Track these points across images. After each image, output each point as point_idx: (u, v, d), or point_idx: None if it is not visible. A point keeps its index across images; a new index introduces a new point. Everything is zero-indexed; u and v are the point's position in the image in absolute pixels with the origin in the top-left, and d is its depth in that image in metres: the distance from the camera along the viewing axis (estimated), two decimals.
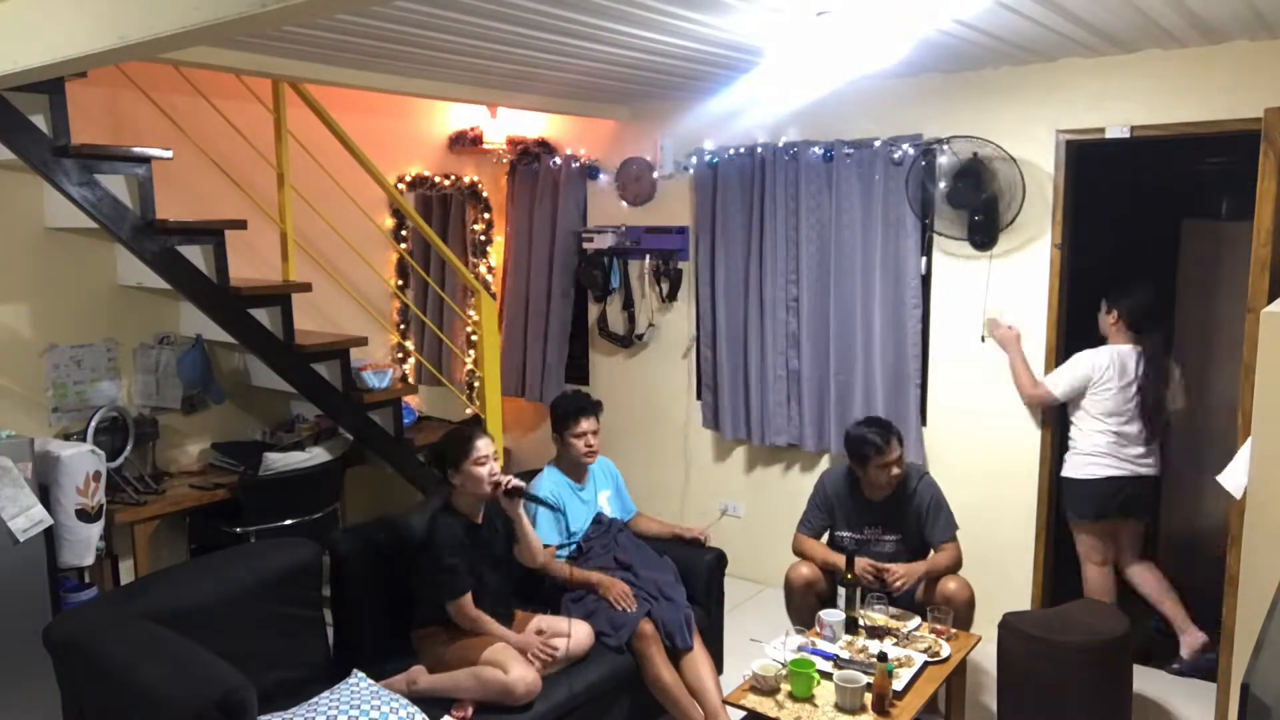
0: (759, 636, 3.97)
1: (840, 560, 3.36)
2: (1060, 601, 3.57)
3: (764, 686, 2.85)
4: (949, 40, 3.34)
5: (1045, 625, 3.24)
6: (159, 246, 3.42)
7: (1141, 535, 3.92)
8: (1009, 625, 3.28)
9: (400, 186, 5.11)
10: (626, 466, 4.15)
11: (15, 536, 3.19)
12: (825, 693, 2.82)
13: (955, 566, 3.45)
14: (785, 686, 2.84)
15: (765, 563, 4.72)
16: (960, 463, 4.18)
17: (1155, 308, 3.79)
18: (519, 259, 5.48)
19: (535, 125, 5.34)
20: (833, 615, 3.17)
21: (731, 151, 4.60)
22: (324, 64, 3.52)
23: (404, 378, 5.19)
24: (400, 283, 5.22)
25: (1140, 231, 4.56)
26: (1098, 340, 3.81)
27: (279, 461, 3.89)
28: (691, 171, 4.81)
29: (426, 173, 5.25)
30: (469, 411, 4.84)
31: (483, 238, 5.49)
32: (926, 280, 4.18)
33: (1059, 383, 3.76)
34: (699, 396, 4.96)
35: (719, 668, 3.54)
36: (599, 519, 3.62)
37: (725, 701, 3.04)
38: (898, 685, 2.82)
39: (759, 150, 4.51)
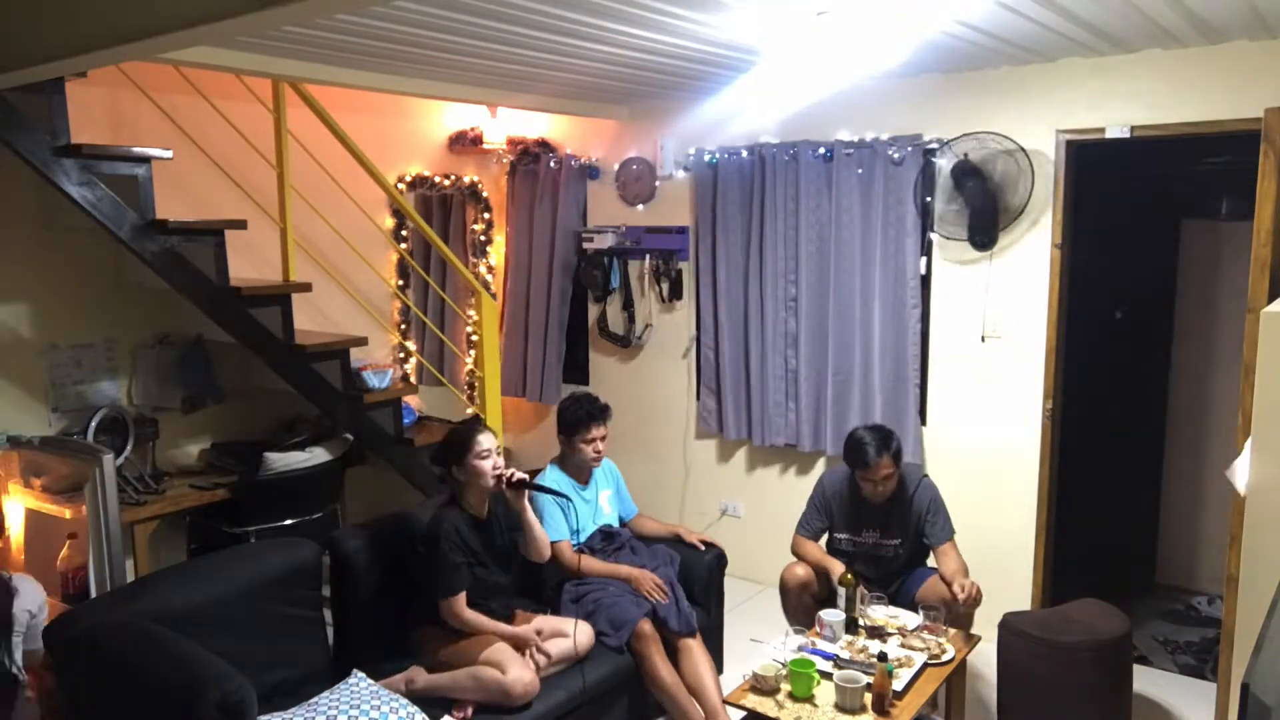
0: (759, 636, 3.97)
1: (834, 566, 3.37)
2: (1060, 601, 3.57)
3: (764, 686, 2.85)
4: (949, 40, 3.34)
5: (1045, 625, 3.24)
6: (159, 246, 3.42)
7: None
8: (1009, 625, 3.28)
9: (400, 186, 5.11)
10: (626, 466, 4.15)
11: None
12: (825, 693, 2.82)
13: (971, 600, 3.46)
14: (785, 686, 2.84)
15: (765, 563, 4.71)
16: (960, 463, 4.18)
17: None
18: (519, 259, 5.48)
19: (535, 125, 5.34)
20: (833, 615, 3.17)
21: (731, 151, 4.60)
22: (324, 64, 3.52)
23: (404, 378, 5.20)
24: (400, 283, 5.22)
25: (1140, 231, 4.56)
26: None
27: (279, 461, 3.89)
28: (691, 171, 4.81)
29: (426, 173, 5.25)
30: (469, 411, 4.84)
31: (483, 238, 5.50)
32: (926, 280, 4.18)
33: None
34: (699, 397, 4.96)
35: (719, 668, 3.54)
36: (611, 534, 3.61)
37: (725, 701, 3.05)
38: (898, 685, 2.81)
39: (759, 150, 4.51)
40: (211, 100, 3.83)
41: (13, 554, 3.59)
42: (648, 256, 5.05)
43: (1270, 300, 2.85)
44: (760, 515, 4.86)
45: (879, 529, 3.50)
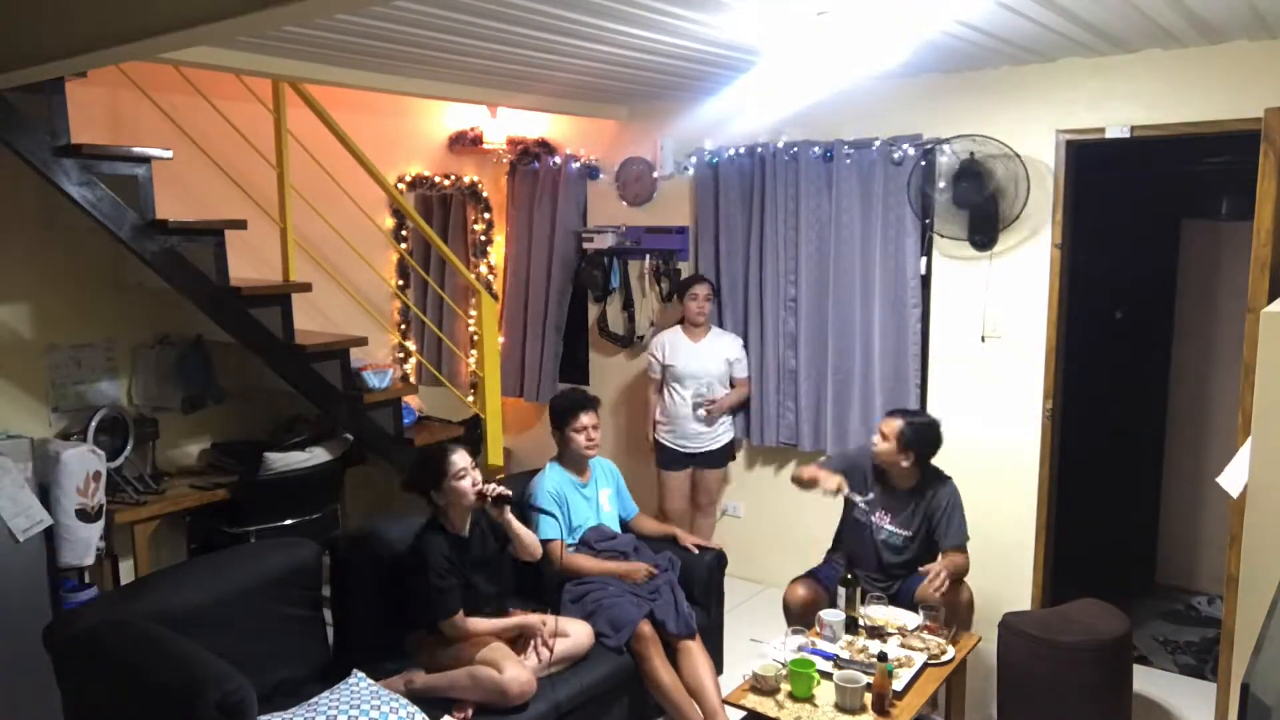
0: (759, 636, 3.97)
1: (827, 480, 3.41)
2: (1060, 601, 3.57)
3: (764, 686, 2.85)
4: (949, 40, 3.34)
5: (1045, 625, 3.24)
6: (159, 246, 3.42)
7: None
8: (1009, 625, 3.28)
9: (400, 186, 5.11)
10: (626, 467, 4.15)
11: (15, 536, 3.20)
12: (825, 693, 2.82)
13: (964, 570, 3.45)
14: (785, 686, 2.84)
15: (765, 563, 4.72)
16: (960, 463, 4.16)
17: None
18: (519, 259, 5.48)
19: (535, 125, 5.34)
20: (833, 615, 3.17)
21: (731, 151, 4.60)
22: (324, 64, 3.52)
23: (404, 378, 5.20)
24: (400, 283, 5.22)
25: (1140, 231, 4.56)
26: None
27: (279, 461, 3.89)
28: (691, 171, 4.81)
29: (426, 173, 5.25)
30: (471, 411, 4.84)
31: (483, 238, 5.49)
32: (926, 280, 4.18)
33: None
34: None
35: (719, 668, 3.54)
36: (623, 549, 3.58)
37: (725, 701, 3.04)
38: (898, 685, 2.81)
39: (759, 150, 4.51)
40: (211, 100, 3.83)
41: None
42: (648, 256, 5.05)
43: (1270, 300, 2.85)
44: (760, 515, 4.86)
45: (892, 514, 3.48)
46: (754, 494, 4.89)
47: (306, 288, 4.02)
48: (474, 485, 3.05)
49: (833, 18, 2.91)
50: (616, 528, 3.72)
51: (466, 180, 5.40)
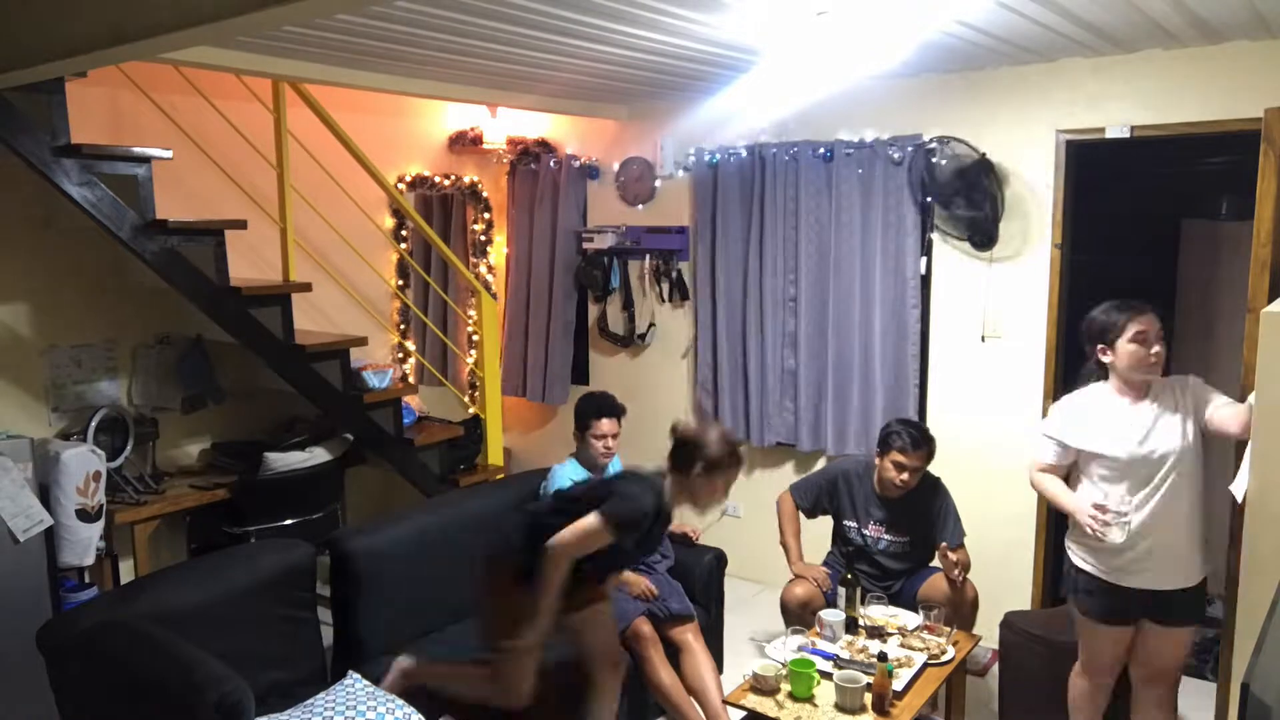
0: (759, 636, 3.98)
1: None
2: (1060, 602, 3.57)
3: (764, 686, 2.84)
4: (949, 40, 3.34)
5: (1045, 625, 3.24)
6: (159, 246, 3.42)
7: None
8: (1009, 625, 3.28)
9: (400, 186, 5.11)
10: (627, 466, 4.14)
11: (15, 536, 3.19)
12: (825, 693, 2.82)
13: (967, 567, 3.46)
14: (785, 686, 2.84)
15: (765, 563, 4.71)
16: (960, 463, 4.17)
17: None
18: (519, 259, 5.48)
19: (535, 125, 5.34)
20: (833, 615, 3.17)
21: (731, 151, 4.60)
22: (324, 64, 3.52)
23: (404, 378, 5.20)
24: (400, 283, 5.22)
25: (1140, 231, 4.56)
26: None
27: (279, 461, 3.89)
28: (691, 171, 4.81)
29: (426, 173, 5.25)
30: (470, 411, 4.84)
31: (483, 238, 5.49)
32: (926, 280, 4.18)
33: None
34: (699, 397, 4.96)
35: (719, 668, 3.54)
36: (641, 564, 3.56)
37: (725, 701, 3.05)
38: (898, 685, 2.82)
39: (759, 150, 4.51)
40: (211, 100, 3.83)
41: None
42: (648, 256, 5.04)
43: (1270, 300, 2.85)
44: (760, 515, 4.84)
45: (886, 525, 3.49)
46: (754, 494, 4.88)
47: (306, 288, 4.02)
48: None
49: (832, 18, 2.91)
50: None
51: (466, 180, 5.40)
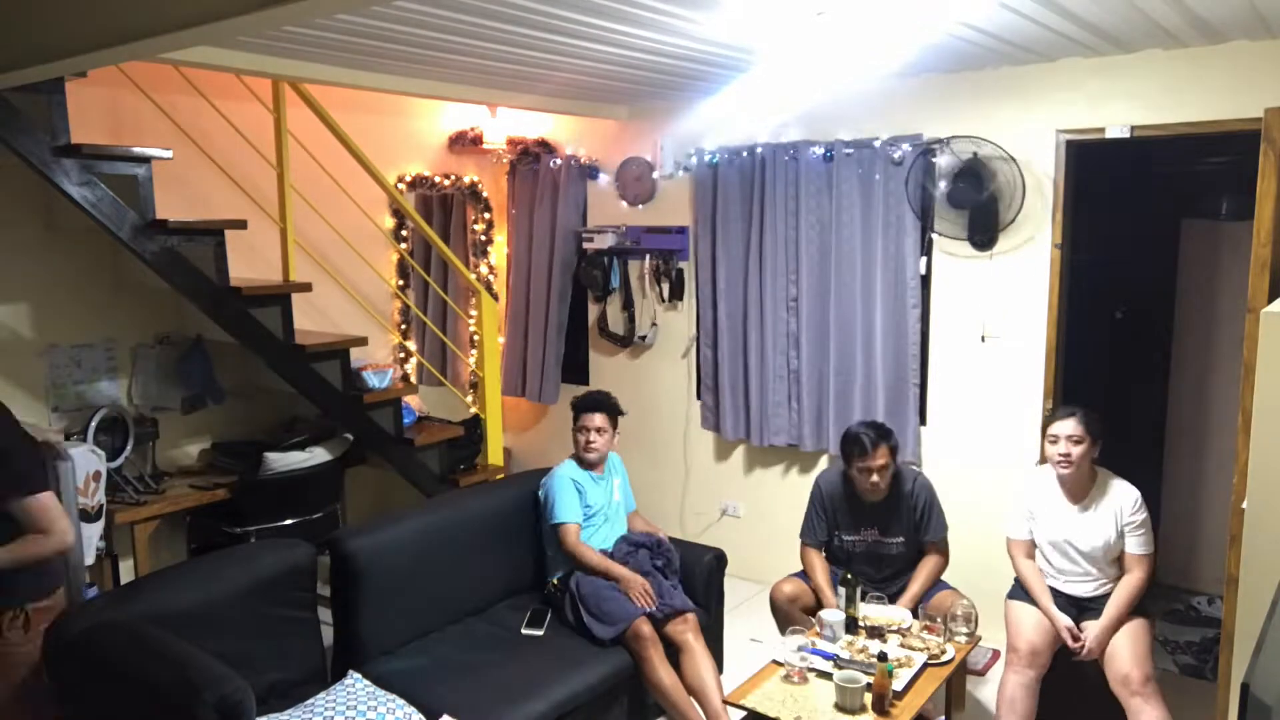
0: (759, 636, 3.98)
1: (831, 597, 3.36)
2: None
3: (849, 704, 2.75)
4: (949, 40, 3.34)
5: None
6: (159, 246, 3.42)
7: None
8: None
9: (400, 186, 5.11)
10: (627, 466, 4.14)
11: None
12: (825, 692, 2.82)
13: (944, 566, 3.49)
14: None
15: (765, 563, 4.71)
16: (960, 462, 4.18)
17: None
18: (519, 259, 5.48)
19: (535, 125, 5.34)
20: (833, 615, 3.17)
21: (731, 152, 4.60)
22: (324, 64, 3.52)
23: (404, 378, 5.20)
24: (401, 283, 5.22)
25: (1140, 231, 4.56)
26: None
27: (279, 461, 3.89)
28: (691, 171, 4.81)
29: (426, 173, 5.25)
30: (471, 411, 4.84)
31: (483, 238, 5.50)
32: (926, 280, 4.18)
33: None
34: (699, 396, 4.96)
35: (719, 667, 3.54)
36: (644, 568, 3.55)
37: (725, 701, 3.04)
38: (898, 685, 2.81)
39: (759, 150, 4.51)
40: (211, 100, 3.83)
41: None
42: (648, 256, 5.05)
43: (1270, 300, 2.85)
44: (760, 515, 4.86)
45: (878, 527, 3.50)
46: (754, 494, 4.89)
47: (306, 288, 4.02)
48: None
49: (832, 18, 2.91)
50: (624, 516, 3.78)
51: (466, 180, 5.40)
